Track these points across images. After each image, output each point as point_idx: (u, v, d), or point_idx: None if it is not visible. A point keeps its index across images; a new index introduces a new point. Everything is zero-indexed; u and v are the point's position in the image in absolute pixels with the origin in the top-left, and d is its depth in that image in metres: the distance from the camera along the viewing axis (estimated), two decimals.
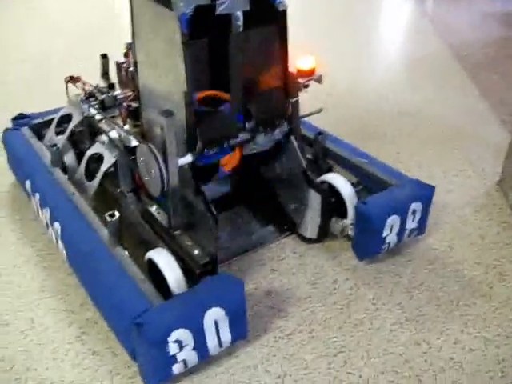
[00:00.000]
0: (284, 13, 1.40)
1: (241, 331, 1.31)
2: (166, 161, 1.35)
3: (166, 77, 1.39)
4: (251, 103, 1.46)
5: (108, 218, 1.42)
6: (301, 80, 1.52)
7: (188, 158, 1.39)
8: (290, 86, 1.50)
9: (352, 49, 3.33)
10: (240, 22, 1.32)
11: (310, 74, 1.54)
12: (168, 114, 1.30)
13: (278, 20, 1.41)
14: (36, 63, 3.04)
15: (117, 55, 1.90)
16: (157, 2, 1.32)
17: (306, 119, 1.75)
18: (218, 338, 1.25)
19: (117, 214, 1.43)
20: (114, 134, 1.59)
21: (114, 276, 1.33)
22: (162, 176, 1.34)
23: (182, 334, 1.18)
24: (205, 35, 1.34)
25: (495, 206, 1.88)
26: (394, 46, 3.44)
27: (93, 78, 1.97)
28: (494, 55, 3.16)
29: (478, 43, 3.34)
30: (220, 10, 1.28)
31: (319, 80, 1.56)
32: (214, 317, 1.22)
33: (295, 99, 1.54)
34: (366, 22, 3.88)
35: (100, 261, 1.38)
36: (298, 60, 1.53)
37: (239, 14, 1.31)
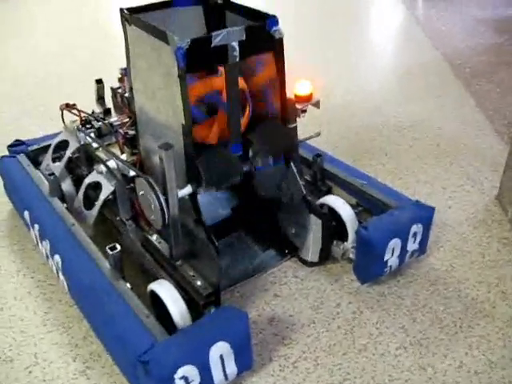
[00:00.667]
0: (280, 41, 1.40)
1: (246, 362, 1.30)
2: (165, 193, 1.35)
3: (164, 108, 1.39)
4: (251, 132, 1.46)
5: (109, 251, 1.41)
6: (298, 106, 1.52)
7: (188, 190, 1.38)
8: (288, 113, 1.50)
9: (344, 61, 3.33)
10: (236, 53, 1.32)
11: (307, 99, 1.54)
12: (167, 147, 1.29)
13: (275, 48, 1.40)
14: (29, 87, 3.01)
15: (112, 80, 1.91)
16: (152, 34, 1.32)
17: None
18: (224, 371, 1.25)
19: (118, 246, 1.42)
20: (111, 164, 1.58)
21: (116, 310, 1.32)
22: (162, 209, 1.34)
23: (188, 370, 1.17)
24: (202, 67, 1.33)
25: (494, 222, 1.88)
26: (387, 56, 3.44)
27: (88, 101, 1.98)
28: (488, 63, 3.16)
29: (472, 51, 3.34)
30: (216, 41, 1.28)
31: (317, 105, 1.56)
32: (220, 351, 1.21)
33: (294, 125, 1.53)
34: (358, 32, 3.89)
35: (102, 294, 1.37)
36: (296, 86, 1.53)
37: (235, 44, 1.31)
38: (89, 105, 2.00)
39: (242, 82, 1.45)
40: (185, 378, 1.17)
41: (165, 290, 1.36)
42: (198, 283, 1.41)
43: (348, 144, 2.36)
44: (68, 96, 2.74)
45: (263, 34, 1.37)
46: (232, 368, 1.26)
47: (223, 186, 1.43)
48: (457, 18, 3.94)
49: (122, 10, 1.44)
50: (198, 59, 1.28)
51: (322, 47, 3.58)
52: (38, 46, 3.70)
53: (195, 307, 1.37)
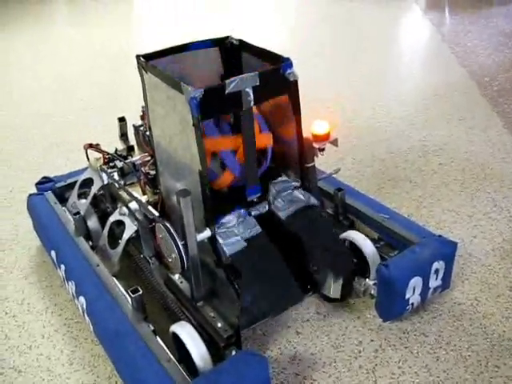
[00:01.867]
0: (295, 83, 1.41)
1: None
2: (184, 237, 1.37)
3: (181, 153, 1.41)
4: (266, 173, 1.47)
5: (131, 294, 1.44)
6: (316, 145, 1.53)
7: (207, 233, 1.40)
8: (305, 152, 1.51)
9: (369, 83, 3.31)
10: (250, 98, 1.34)
11: (325, 138, 1.55)
12: (185, 194, 1.31)
13: (290, 90, 1.41)
14: (55, 125, 3.06)
15: (136, 115, 1.95)
16: (167, 83, 1.35)
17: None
18: None
19: (139, 289, 1.45)
20: (133, 205, 1.61)
21: (138, 354, 1.34)
22: (180, 255, 1.36)
23: None
24: (216, 114, 1.35)
25: None
26: (413, 77, 3.40)
27: (113, 136, 2.03)
28: None
29: (499, 67, 3.29)
30: (230, 89, 1.30)
31: (335, 143, 1.57)
32: None
33: (311, 164, 1.54)
34: (382, 52, 3.85)
35: (124, 337, 1.39)
36: (313, 125, 1.54)
37: (249, 90, 1.33)
38: (113, 140, 2.05)
39: (268, 138, 1.47)
40: None
41: (185, 332, 1.37)
42: (219, 325, 1.42)
43: (372, 172, 2.35)
44: (93, 129, 2.83)
45: (277, 78, 1.38)
46: None
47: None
48: (484, 33, 3.88)
49: (138, 56, 1.47)
50: (212, 107, 1.30)
51: (346, 69, 3.58)
52: (61, 78, 3.80)
53: (216, 349, 1.38)
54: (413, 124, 2.72)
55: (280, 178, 1.56)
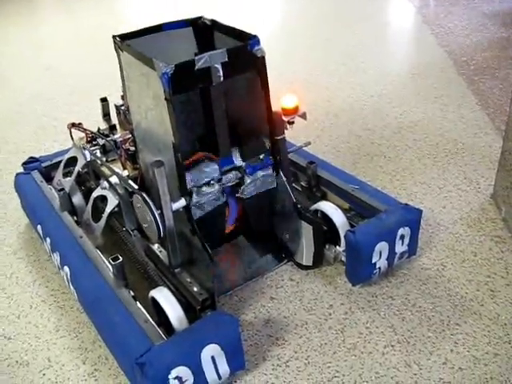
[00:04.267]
0: (263, 59, 1.48)
1: (238, 362, 1.39)
2: (160, 207, 1.45)
3: (156, 127, 1.49)
4: (239, 146, 1.55)
5: (111, 262, 1.52)
6: (285, 118, 1.61)
7: (182, 203, 1.48)
8: (274, 125, 1.58)
9: (348, 62, 3.39)
10: (220, 74, 1.41)
11: (294, 111, 1.62)
12: (158, 164, 1.39)
13: (258, 66, 1.49)
14: (43, 109, 3.12)
15: (115, 97, 2.02)
16: (141, 61, 1.42)
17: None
18: (217, 371, 1.34)
19: (120, 257, 1.53)
20: (114, 179, 1.69)
21: (118, 317, 1.42)
22: (157, 223, 1.44)
23: (181, 370, 1.27)
24: (187, 89, 1.42)
25: (488, 221, 1.93)
26: (392, 57, 3.47)
27: (97, 117, 2.10)
28: (494, 58, 3.18)
29: (477, 46, 3.37)
30: (199, 65, 1.37)
31: (303, 116, 1.64)
32: (211, 353, 1.31)
33: (281, 136, 1.62)
34: (362, 32, 3.91)
35: (106, 303, 1.48)
36: (282, 99, 1.62)
37: (218, 66, 1.40)
38: (99, 121, 2.13)
39: None
40: (179, 378, 1.27)
41: (163, 296, 1.46)
42: (195, 289, 1.51)
43: (349, 147, 2.43)
44: (79, 112, 2.90)
45: (245, 54, 1.45)
46: (224, 368, 1.35)
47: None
48: (465, 14, 3.95)
49: (114, 37, 1.54)
50: (183, 82, 1.37)
51: (326, 49, 3.65)
52: (49, 64, 3.86)
53: (193, 312, 1.47)
54: (389, 102, 2.80)
55: (255, 158, 1.63)
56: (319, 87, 3.03)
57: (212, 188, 1.55)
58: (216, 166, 1.54)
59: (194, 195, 1.52)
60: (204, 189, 1.54)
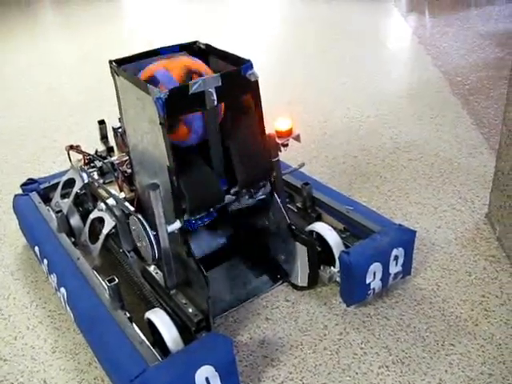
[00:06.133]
0: (256, 83, 1.51)
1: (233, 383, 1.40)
2: (156, 229, 1.47)
3: (152, 151, 1.51)
4: (235, 169, 1.57)
5: (107, 283, 1.53)
6: (279, 140, 1.63)
7: (177, 225, 1.50)
8: (269, 148, 1.61)
9: (344, 83, 3.43)
10: (213, 97, 1.44)
11: (287, 134, 1.64)
12: (154, 187, 1.41)
13: (251, 90, 1.51)
14: (42, 131, 3.15)
15: (114, 119, 2.05)
16: (136, 85, 1.45)
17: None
18: None
19: (115, 278, 1.54)
20: (111, 202, 1.71)
21: (113, 338, 1.44)
22: (152, 245, 1.46)
23: None
24: (182, 113, 1.45)
25: (482, 240, 1.94)
26: (387, 78, 3.50)
27: (95, 138, 2.13)
28: (489, 78, 3.22)
29: (472, 66, 3.41)
30: (193, 89, 1.40)
31: (297, 139, 1.66)
32: (205, 374, 1.31)
33: (276, 159, 1.64)
34: (358, 53, 3.96)
35: (101, 324, 1.49)
36: (276, 122, 1.64)
37: (212, 90, 1.42)
38: (96, 142, 2.15)
39: None
40: None
41: (159, 317, 1.48)
42: (190, 310, 1.52)
43: (345, 168, 2.45)
44: (78, 133, 2.93)
45: (239, 79, 1.48)
46: None
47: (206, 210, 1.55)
48: (460, 35, 4.00)
49: (110, 61, 1.57)
50: (178, 107, 1.40)
51: (321, 68, 3.70)
52: (50, 85, 3.90)
53: (188, 333, 1.48)
54: (385, 122, 2.83)
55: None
56: (315, 108, 3.06)
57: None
58: None
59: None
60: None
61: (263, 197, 1.66)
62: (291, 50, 4.16)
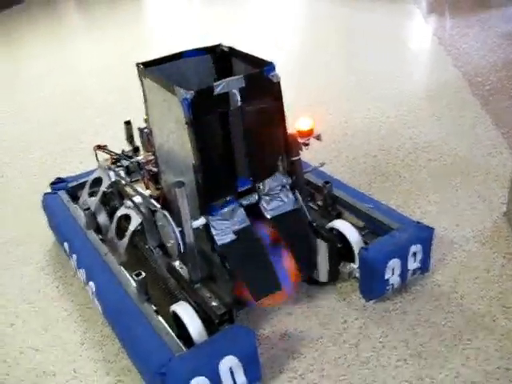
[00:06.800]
0: (278, 84, 1.56)
1: (255, 374, 1.45)
2: (181, 224, 1.53)
3: (177, 150, 1.57)
4: (255, 166, 1.62)
5: (134, 277, 1.60)
6: (300, 140, 1.68)
7: (202, 221, 1.56)
8: (290, 147, 1.66)
9: (365, 84, 3.46)
10: (237, 98, 1.49)
11: (309, 133, 1.70)
12: (180, 185, 1.47)
13: (273, 91, 1.56)
14: (69, 132, 3.24)
15: (139, 120, 2.12)
16: (162, 86, 1.51)
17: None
18: (234, 382, 1.40)
19: (142, 273, 1.61)
20: (137, 199, 1.77)
21: (140, 330, 1.50)
22: (177, 240, 1.52)
23: (200, 381, 1.33)
24: (207, 113, 1.50)
25: (501, 238, 1.97)
26: (407, 78, 3.52)
27: (120, 141, 2.20)
28: (509, 79, 3.23)
29: (493, 67, 3.41)
30: (218, 90, 1.46)
31: (318, 138, 1.71)
32: (229, 364, 1.37)
33: (297, 158, 1.69)
34: (379, 54, 3.99)
35: (129, 316, 1.56)
36: (297, 122, 1.69)
37: (235, 91, 1.48)
38: (123, 144, 2.22)
39: None
40: None
41: (184, 310, 1.53)
42: (214, 303, 1.57)
43: (365, 167, 2.49)
44: (104, 135, 3.01)
45: (262, 80, 1.53)
46: (242, 379, 1.41)
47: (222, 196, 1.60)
48: (480, 35, 4.01)
49: (137, 64, 1.64)
50: (203, 107, 1.46)
51: (342, 69, 3.74)
52: (77, 88, 4.00)
53: (211, 325, 1.53)
54: (405, 123, 2.86)
55: (272, 177, 1.69)
56: (336, 108, 3.10)
57: (233, 217, 1.61)
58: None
59: (216, 222, 1.59)
60: (224, 221, 1.61)
61: (285, 191, 1.68)
62: (311, 52, 4.21)
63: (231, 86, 1.47)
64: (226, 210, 1.60)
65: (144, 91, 1.67)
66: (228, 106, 1.49)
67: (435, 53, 3.89)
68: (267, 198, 1.66)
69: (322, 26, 4.81)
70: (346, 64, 3.84)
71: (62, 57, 4.73)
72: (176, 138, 1.55)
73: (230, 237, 1.60)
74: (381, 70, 3.64)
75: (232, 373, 1.38)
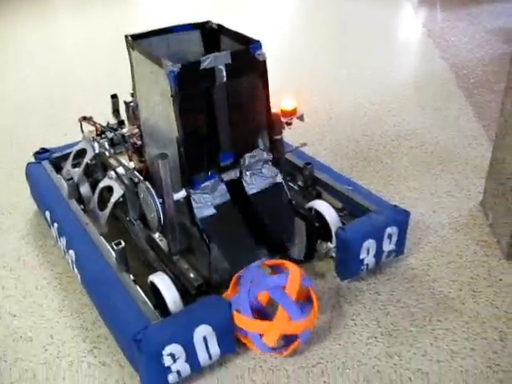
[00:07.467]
0: (264, 62, 1.58)
1: (229, 345, 1.48)
2: (162, 197, 1.55)
3: (162, 123, 1.59)
4: (238, 142, 1.65)
5: (114, 247, 1.62)
6: (283, 119, 1.71)
7: (183, 193, 1.59)
8: (273, 125, 1.68)
9: (352, 70, 3.50)
10: (223, 74, 1.51)
11: (292, 113, 1.72)
12: (163, 157, 1.49)
13: (259, 69, 1.59)
14: (56, 105, 3.25)
15: (126, 94, 2.13)
16: (150, 59, 1.53)
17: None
18: (208, 351, 1.43)
19: (122, 242, 1.63)
20: (120, 170, 1.79)
21: (118, 298, 1.53)
22: (158, 212, 1.54)
23: (174, 348, 1.37)
24: (192, 87, 1.52)
25: (475, 226, 2.01)
26: (395, 68, 3.55)
27: (106, 115, 2.22)
28: (494, 73, 3.28)
29: (479, 61, 3.46)
30: (204, 65, 1.48)
31: (301, 118, 1.74)
32: (203, 333, 1.40)
33: (279, 136, 1.72)
34: (368, 44, 4.01)
35: (107, 285, 1.58)
36: (281, 102, 1.72)
37: (221, 67, 1.50)
38: (109, 117, 2.23)
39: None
40: (172, 355, 1.37)
41: (161, 280, 1.56)
42: (191, 275, 1.60)
43: (347, 152, 2.52)
44: (91, 107, 3.00)
45: (248, 57, 1.55)
46: (215, 349, 1.44)
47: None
48: (470, 29, 4.05)
49: (126, 36, 1.65)
50: (189, 81, 1.48)
51: (331, 56, 3.77)
52: (63, 63, 3.99)
53: (189, 297, 1.56)
54: (390, 110, 2.90)
55: (253, 152, 1.72)
56: (323, 95, 3.13)
57: (213, 191, 1.64)
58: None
59: (197, 195, 1.62)
60: (205, 194, 1.63)
61: (266, 166, 1.71)
62: (301, 40, 4.22)
63: (217, 61, 1.49)
64: (207, 183, 1.62)
65: (131, 64, 1.68)
66: (214, 81, 1.51)
67: (424, 44, 3.92)
68: (249, 173, 1.68)
69: (312, 16, 4.82)
70: (334, 53, 3.86)
71: (49, 32, 4.70)
72: (161, 111, 1.57)
73: (211, 210, 1.63)
74: (369, 60, 3.67)
75: (206, 342, 1.41)
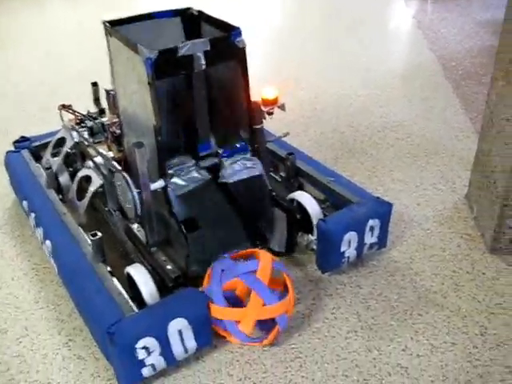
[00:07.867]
0: (243, 50, 1.54)
1: (205, 339, 1.46)
2: (139, 186, 1.52)
3: (139, 111, 1.55)
4: (218, 133, 1.61)
5: (91, 237, 1.59)
6: (264, 108, 1.67)
7: (160, 183, 1.55)
8: (253, 114, 1.65)
9: (340, 62, 3.46)
10: (202, 61, 1.48)
11: (273, 102, 1.69)
12: (139, 145, 1.46)
13: (239, 56, 1.55)
14: (42, 94, 3.19)
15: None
16: (127, 46, 1.49)
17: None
18: (183, 345, 1.40)
19: (99, 233, 1.59)
20: (99, 160, 1.75)
21: (93, 290, 1.50)
22: (134, 202, 1.51)
23: (148, 341, 1.34)
24: (170, 74, 1.49)
25: (460, 219, 2.00)
26: (383, 59, 3.52)
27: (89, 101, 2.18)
28: (482, 65, 3.25)
29: (468, 53, 3.43)
30: (182, 52, 1.44)
31: (282, 107, 1.71)
32: (178, 326, 1.37)
33: (260, 126, 1.68)
34: (356, 35, 3.97)
35: (83, 276, 1.55)
36: (262, 90, 1.68)
37: (200, 54, 1.46)
38: (89, 104, 2.19)
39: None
40: (146, 348, 1.34)
41: (138, 272, 1.53)
42: (169, 267, 1.58)
43: (331, 143, 2.50)
44: (72, 96, 2.96)
45: (227, 44, 1.52)
46: (191, 342, 1.42)
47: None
48: (459, 21, 4.02)
49: (104, 22, 1.61)
50: (166, 68, 1.44)
51: (319, 47, 3.74)
52: (49, 50, 3.93)
53: (165, 289, 1.53)
54: (376, 102, 2.87)
55: (233, 141, 1.68)
56: (309, 85, 3.09)
57: (191, 171, 1.60)
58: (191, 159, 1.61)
59: (175, 178, 1.58)
60: (184, 173, 1.59)
61: (246, 157, 1.68)
62: (290, 30, 4.17)
63: (196, 48, 1.46)
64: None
65: (110, 51, 1.64)
66: (192, 68, 1.48)
67: (413, 36, 3.89)
68: (228, 162, 1.65)
69: (301, 6, 4.77)
70: (322, 43, 3.82)
71: (37, 19, 4.63)
72: (138, 99, 1.53)
73: (188, 188, 1.59)
74: (356, 50, 3.63)
75: (181, 335, 1.39)
